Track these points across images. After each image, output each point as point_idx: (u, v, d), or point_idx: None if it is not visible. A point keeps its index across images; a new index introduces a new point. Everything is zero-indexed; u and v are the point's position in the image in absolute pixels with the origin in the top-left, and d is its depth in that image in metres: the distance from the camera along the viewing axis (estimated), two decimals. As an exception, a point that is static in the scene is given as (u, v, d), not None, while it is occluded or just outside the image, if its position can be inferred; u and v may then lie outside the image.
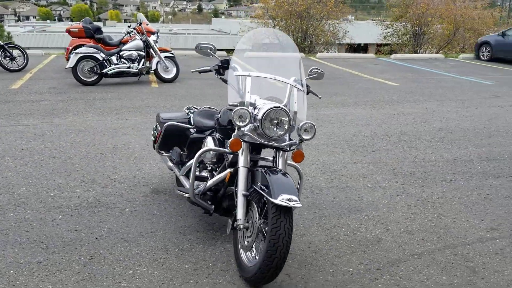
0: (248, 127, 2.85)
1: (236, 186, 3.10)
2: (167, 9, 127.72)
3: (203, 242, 3.29)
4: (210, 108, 4.04)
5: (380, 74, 12.11)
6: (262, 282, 2.65)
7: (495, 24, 22.26)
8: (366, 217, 3.77)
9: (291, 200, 2.49)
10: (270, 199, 2.51)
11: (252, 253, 2.82)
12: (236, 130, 2.85)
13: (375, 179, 4.65)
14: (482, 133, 6.62)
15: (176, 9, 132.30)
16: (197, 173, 3.36)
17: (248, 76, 2.95)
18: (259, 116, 2.77)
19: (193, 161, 3.14)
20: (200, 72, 3.39)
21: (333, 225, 3.61)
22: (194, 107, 4.23)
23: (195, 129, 3.77)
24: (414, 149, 5.75)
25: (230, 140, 2.82)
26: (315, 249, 3.24)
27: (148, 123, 6.50)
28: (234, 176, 3.09)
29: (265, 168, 2.79)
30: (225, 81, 3.19)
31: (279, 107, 2.80)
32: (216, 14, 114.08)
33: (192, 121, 3.80)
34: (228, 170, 3.11)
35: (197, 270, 2.94)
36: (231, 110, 3.11)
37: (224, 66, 3.19)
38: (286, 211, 2.54)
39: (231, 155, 3.08)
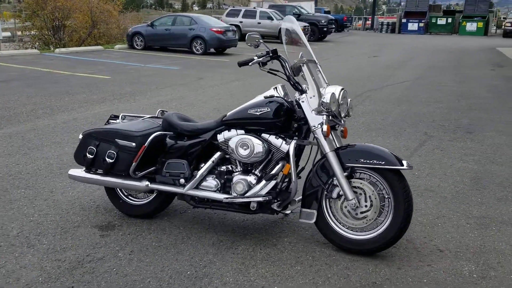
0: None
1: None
2: None
3: (262, 246, 3.12)
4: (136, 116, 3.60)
5: (74, 69, 11.56)
6: (391, 245, 2.93)
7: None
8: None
9: (409, 163, 2.88)
10: (397, 167, 2.82)
11: (356, 226, 2.99)
12: (327, 117, 2.91)
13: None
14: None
15: None
16: (246, 176, 3.10)
17: (306, 63, 3.00)
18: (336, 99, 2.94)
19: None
20: (242, 64, 3.04)
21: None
22: (113, 116, 3.62)
23: (175, 136, 3.32)
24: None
25: (325, 128, 2.87)
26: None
27: None
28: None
29: (349, 147, 2.99)
30: (273, 72, 3.07)
31: (343, 88, 3.04)
32: None
33: (177, 127, 3.29)
34: (283, 163, 3.07)
35: (313, 267, 2.87)
36: (272, 101, 3.05)
37: (274, 56, 3.03)
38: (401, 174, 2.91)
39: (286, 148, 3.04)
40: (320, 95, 2.95)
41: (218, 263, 2.90)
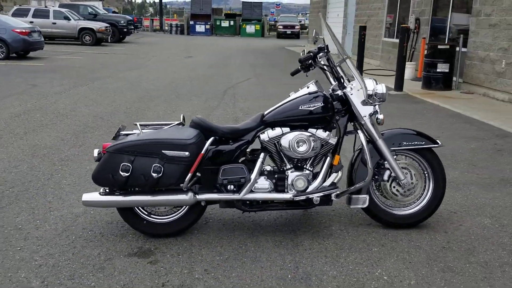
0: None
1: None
2: None
3: (323, 238, 3.19)
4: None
5: None
6: (432, 214, 3.33)
7: None
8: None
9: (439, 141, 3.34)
10: (435, 145, 3.25)
11: (405, 202, 3.31)
12: (376, 107, 3.14)
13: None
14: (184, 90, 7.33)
15: None
16: (302, 172, 3.13)
17: (349, 57, 3.18)
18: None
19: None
20: (304, 61, 2.99)
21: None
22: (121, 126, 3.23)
23: (216, 140, 3.14)
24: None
25: (382, 116, 3.11)
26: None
27: None
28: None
29: (386, 133, 3.30)
30: (324, 68, 3.14)
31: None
32: None
33: (218, 130, 3.09)
34: (331, 155, 3.21)
35: (385, 246, 3.09)
36: (318, 96, 3.16)
37: (327, 52, 3.08)
38: None
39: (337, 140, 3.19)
40: (366, 86, 3.14)
41: (305, 261, 2.87)
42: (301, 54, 3.32)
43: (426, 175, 3.32)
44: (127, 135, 3.09)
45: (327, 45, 3.16)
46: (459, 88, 9.75)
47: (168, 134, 2.93)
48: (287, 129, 3.13)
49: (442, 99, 8.61)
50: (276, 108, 3.18)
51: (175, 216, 3.15)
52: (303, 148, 3.05)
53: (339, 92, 3.22)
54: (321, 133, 3.14)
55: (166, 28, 37.97)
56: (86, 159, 4.81)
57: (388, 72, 12.40)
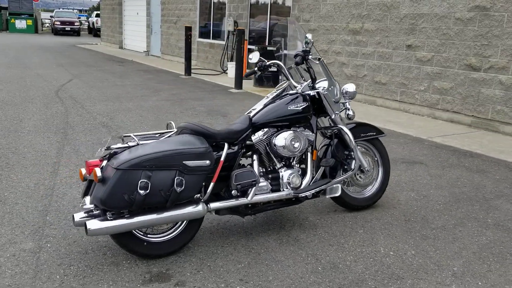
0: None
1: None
2: None
3: (317, 228, 3.39)
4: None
5: None
6: (383, 193, 3.81)
7: None
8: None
9: None
10: (383, 135, 3.76)
11: (366, 186, 3.72)
12: (347, 104, 3.47)
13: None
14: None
15: None
16: (293, 169, 3.28)
17: (321, 59, 3.43)
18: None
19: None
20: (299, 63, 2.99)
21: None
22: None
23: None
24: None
25: (352, 111, 3.46)
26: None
27: None
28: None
29: (346, 127, 3.68)
30: (308, 69, 3.27)
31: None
32: None
33: (217, 135, 2.98)
34: (311, 151, 3.45)
35: (375, 228, 3.47)
36: (298, 96, 3.38)
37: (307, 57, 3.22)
38: None
39: (314, 137, 3.43)
40: (335, 86, 3.43)
41: (319, 253, 3.02)
42: (249, 58, 3.40)
43: (376, 160, 3.80)
44: (113, 150, 2.71)
45: (310, 49, 3.33)
46: (284, 85, 10.83)
47: (182, 143, 2.69)
48: (274, 130, 3.21)
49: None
50: (262, 109, 3.21)
51: (175, 231, 2.91)
52: (297, 146, 3.17)
53: (311, 92, 3.42)
54: (303, 131, 3.31)
55: None
56: (-31, 186, 3.89)
57: (213, 72, 12.89)
